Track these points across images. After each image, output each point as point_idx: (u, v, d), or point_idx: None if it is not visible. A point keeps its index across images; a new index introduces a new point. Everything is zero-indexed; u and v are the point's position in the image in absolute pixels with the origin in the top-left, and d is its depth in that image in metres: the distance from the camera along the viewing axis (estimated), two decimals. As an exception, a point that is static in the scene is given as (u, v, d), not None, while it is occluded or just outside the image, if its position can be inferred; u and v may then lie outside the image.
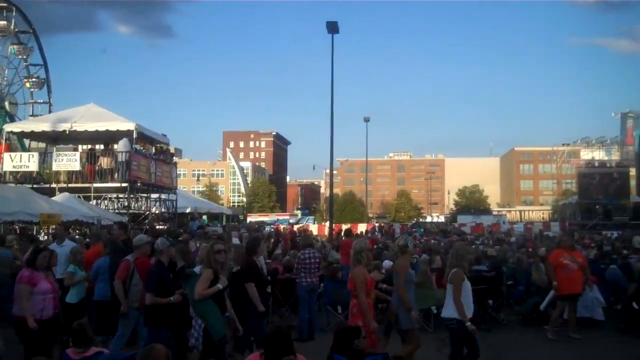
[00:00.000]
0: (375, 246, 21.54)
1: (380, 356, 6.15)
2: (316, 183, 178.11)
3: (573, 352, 11.35)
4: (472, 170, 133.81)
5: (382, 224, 57.16)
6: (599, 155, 67.90)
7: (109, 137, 28.13)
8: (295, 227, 46.01)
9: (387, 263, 16.13)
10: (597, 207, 60.34)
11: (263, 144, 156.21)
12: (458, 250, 9.26)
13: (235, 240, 18.55)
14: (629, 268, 15.12)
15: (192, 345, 8.17)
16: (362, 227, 46.67)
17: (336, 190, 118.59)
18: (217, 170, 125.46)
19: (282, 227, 46.48)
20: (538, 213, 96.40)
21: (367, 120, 55.93)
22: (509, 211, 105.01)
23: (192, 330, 8.31)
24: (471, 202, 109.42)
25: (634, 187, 68.82)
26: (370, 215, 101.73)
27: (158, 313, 8.51)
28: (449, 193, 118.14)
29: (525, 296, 14.33)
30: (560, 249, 13.22)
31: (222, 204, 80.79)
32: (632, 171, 66.80)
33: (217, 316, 8.21)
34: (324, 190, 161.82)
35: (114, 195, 29.20)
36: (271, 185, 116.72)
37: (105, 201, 29.51)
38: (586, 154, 69.07)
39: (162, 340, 8.30)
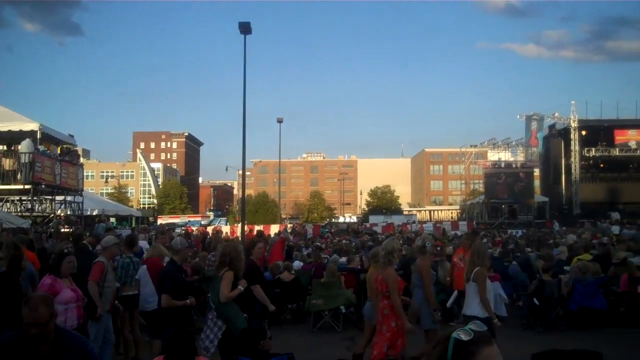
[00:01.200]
0: (285, 245, 21.56)
1: (286, 356, 6.13)
2: (229, 184, 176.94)
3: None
4: (384, 171, 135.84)
5: (295, 225, 57.24)
6: (505, 156, 70.17)
7: (12, 138, 27.28)
8: (209, 229, 45.61)
9: (297, 264, 16.17)
10: (503, 206, 62.35)
11: (175, 145, 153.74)
12: (480, 249, 9.43)
13: (144, 243, 18.13)
14: (529, 264, 15.67)
15: (206, 347, 7.95)
16: (275, 229, 46.61)
17: (249, 192, 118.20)
18: (126, 172, 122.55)
19: (193, 228, 45.99)
20: (447, 212, 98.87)
21: (280, 121, 55.79)
22: (419, 211, 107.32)
23: (206, 332, 8.14)
24: (383, 202, 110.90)
25: (538, 187, 71.61)
26: (284, 216, 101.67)
27: (167, 317, 8.21)
28: (361, 193, 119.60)
29: (433, 294, 14.58)
30: (460, 248, 13.68)
31: (132, 206, 79.24)
32: (537, 172, 69.47)
33: (242, 319, 8.14)
34: (237, 192, 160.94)
35: (17, 197, 28.25)
36: (183, 187, 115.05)
37: (8, 204, 28.47)
38: (493, 155, 71.28)
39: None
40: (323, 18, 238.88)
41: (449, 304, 13.80)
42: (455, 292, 13.27)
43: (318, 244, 25.43)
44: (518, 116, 68.85)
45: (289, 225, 52.21)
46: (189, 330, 5.96)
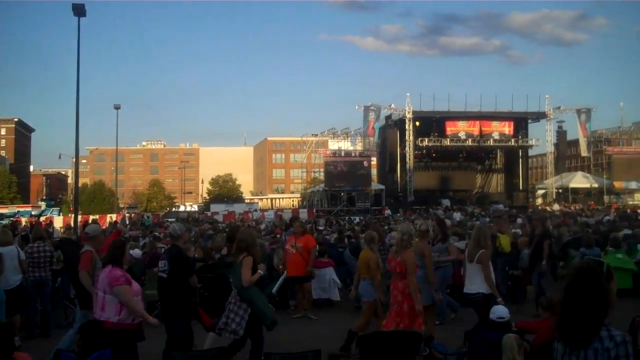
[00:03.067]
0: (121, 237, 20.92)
1: (109, 350, 5.95)
2: (63, 172, 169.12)
3: (311, 332, 11.86)
4: (226, 160, 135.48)
5: (132, 214, 55.94)
6: (344, 145, 71.98)
7: None
8: (41, 219, 43.54)
9: (137, 252, 15.69)
10: (342, 194, 64.04)
11: (3, 131, 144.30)
12: (483, 232, 9.71)
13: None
14: (359, 250, 16.19)
15: (233, 330, 8.23)
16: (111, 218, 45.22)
17: (85, 180, 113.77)
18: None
19: (23, 219, 43.77)
20: (289, 200, 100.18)
21: (117, 107, 54.04)
22: (261, 199, 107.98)
23: (230, 316, 8.35)
24: (224, 190, 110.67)
25: (375, 175, 74.27)
26: (122, 205, 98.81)
27: (185, 300, 8.33)
28: (202, 182, 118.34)
29: (268, 281, 14.72)
30: (292, 235, 13.94)
31: (-46, 196, 73.97)
32: (374, 160, 71.97)
33: (265, 301, 8.70)
34: (71, 180, 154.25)
35: None
36: (12, 175, 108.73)
37: None
38: (333, 144, 73.01)
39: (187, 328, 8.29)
40: (165, 4, 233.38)
41: (273, 290, 14.01)
42: (281, 279, 13.46)
43: (156, 233, 24.90)
44: (357, 107, 70.18)
45: (126, 215, 50.92)
46: (4, 324, 5.65)
